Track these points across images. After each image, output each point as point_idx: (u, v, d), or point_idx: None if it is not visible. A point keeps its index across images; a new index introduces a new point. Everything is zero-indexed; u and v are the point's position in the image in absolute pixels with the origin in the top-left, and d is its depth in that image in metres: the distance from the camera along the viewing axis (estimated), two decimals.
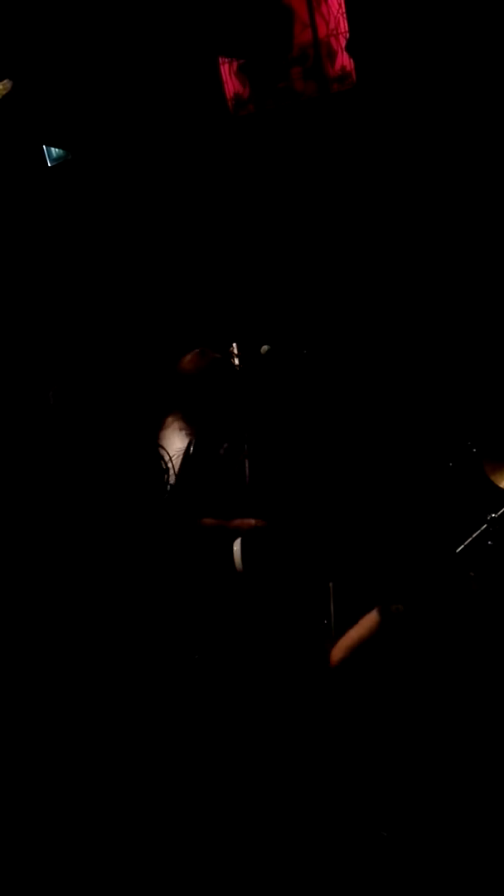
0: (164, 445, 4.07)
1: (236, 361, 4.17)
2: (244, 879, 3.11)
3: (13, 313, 5.35)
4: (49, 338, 5.38)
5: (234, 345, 4.21)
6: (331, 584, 3.50)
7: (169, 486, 3.69)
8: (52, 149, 5.55)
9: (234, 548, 3.87)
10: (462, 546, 4.05)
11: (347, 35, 4.92)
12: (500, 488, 3.91)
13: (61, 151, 5.52)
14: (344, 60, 4.98)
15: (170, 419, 4.07)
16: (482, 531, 3.99)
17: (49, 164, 5.58)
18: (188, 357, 4.01)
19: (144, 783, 3.55)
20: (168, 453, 3.92)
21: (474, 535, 4.02)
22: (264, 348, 4.37)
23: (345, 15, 4.91)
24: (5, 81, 4.49)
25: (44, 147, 5.55)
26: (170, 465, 3.78)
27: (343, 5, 4.89)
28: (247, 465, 4.08)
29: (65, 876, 3.19)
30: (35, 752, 3.50)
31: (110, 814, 3.44)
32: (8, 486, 4.30)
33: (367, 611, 4.02)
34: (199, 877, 3.15)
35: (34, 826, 3.35)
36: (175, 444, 3.99)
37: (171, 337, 4.60)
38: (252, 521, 3.91)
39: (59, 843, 3.33)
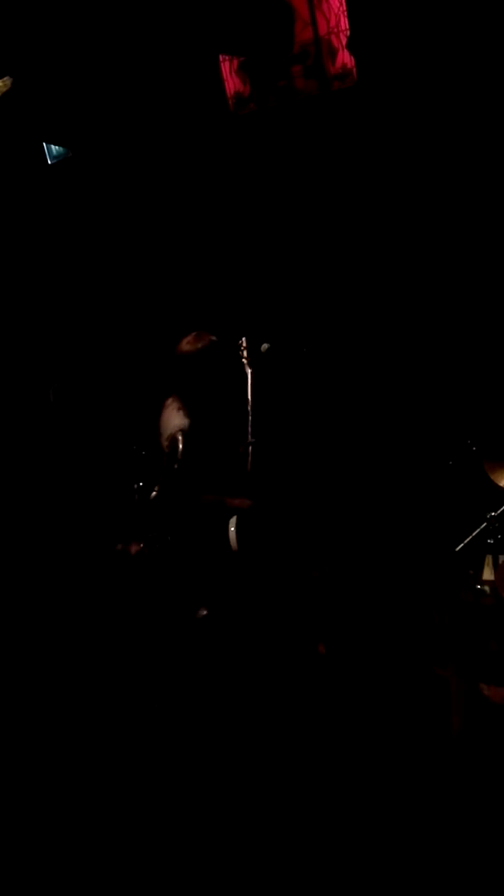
0: (163, 424, 4.11)
1: (245, 355, 4.23)
2: (244, 877, 3.10)
3: (14, 310, 5.35)
4: (50, 334, 5.38)
5: (244, 339, 4.27)
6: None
7: (172, 471, 3.68)
8: (53, 146, 5.54)
9: (230, 528, 3.91)
10: (462, 544, 4.04)
11: (348, 33, 4.91)
12: (500, 487, 3.90)
13: (61, 149, 5.52)
14: (345, 58, 4.97)
15: (169, 400, 4.12)
16: (482, 530, 3.99)
17: (49, 162, 5.58)
18: (185, 339, 4.07)
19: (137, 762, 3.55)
20: (167, 439, 3.92)
21: (474, 534, 4.01)
22: (264, 346, 4.40)
23: (346, 13, 4.90)
24: (5, 79, 4.49)
25: (44, 144, 5.55)
26: (176, 447, 3.77)
27: (344, 3, 4.89)
28: (250, 452, 4.12)
29: (65, 875, 3.18)
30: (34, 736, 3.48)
31: (109, 806, 3.44)
32: (9, 476, 4.29)
33: (365, 607, 4.02)
34: (199, 875, 3.15)
35: (34, 824, 3.34)
36: (173, 421, 4.03)
37: (170, 333, 4.59)
38: (249, 502, 3.94)
39: (59, 842, 3.32)
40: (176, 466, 3.77)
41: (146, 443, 4.01)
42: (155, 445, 4.01)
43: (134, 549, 3.87)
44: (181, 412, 4.09)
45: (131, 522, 3.89)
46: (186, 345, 4.07)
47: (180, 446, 3.82)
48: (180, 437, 3.84)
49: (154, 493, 3.83)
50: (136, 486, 3.89)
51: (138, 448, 4.00)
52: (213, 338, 4.08)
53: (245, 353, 4.25)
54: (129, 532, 3.90)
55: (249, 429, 4.13)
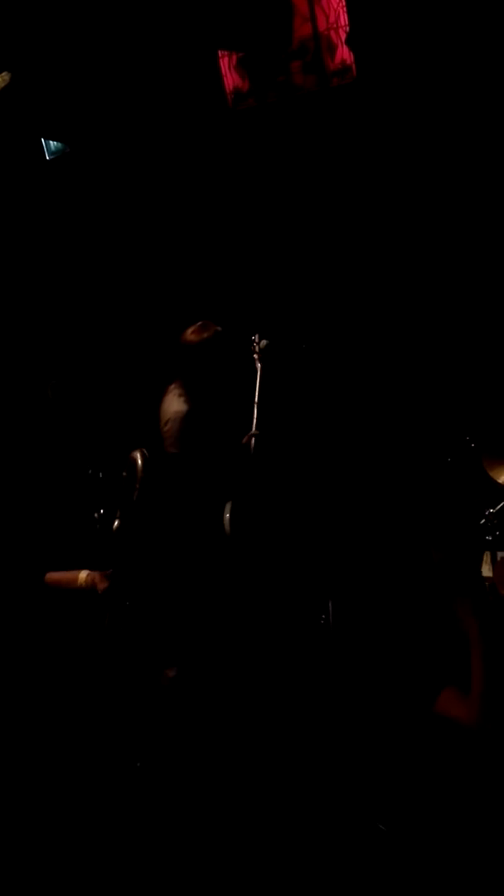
0: (163, 409, 4.10)
1: (257, 350, 4.29)
2: (244, 875, 3.11)
3: (12, 306, 5.34)
4: (49, 331, 5.37)
5: (257, 336, 4.34)
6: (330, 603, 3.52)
7: (132, 498, 3.48)
8: (51, 142, 5.53)
9: (225, 514, 3.93)
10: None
11: (347, 29, 4.90)
12: (499, 483, 3.90)
13: (60, 144, 5.50)
14: (344, 54, 4.96)
15: (172, 386, 4.15)
16: (480, 526, 3.99)
17: (48, 158, 5.56)
18: (190, 329, 4.11)
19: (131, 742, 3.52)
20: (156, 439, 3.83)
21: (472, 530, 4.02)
22: (263, 342, 4.42)
23: (345, 8, 4.89)
24: (4, 74, 4.48)
25: (42, 140, 5.53)
26: (134, 471, 3.59)
27: None
28: (252, 443, 4.14)
29: (65, 876, 3.18)
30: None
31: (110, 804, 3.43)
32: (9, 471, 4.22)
33: (360, 603, 4.01)
34: (199, 873, 3.15)
35: (34, 825, 3.34)
36: (173, 407, 4.06)
37: (168, 330, 4.59)
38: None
39: (59, 843, 3.32)
40: (136, 491, 3.42)
41: (105, 465, 3.75)
42: (156, 433, 4.02)
43: (101, 585, 3.55)
44: (182, 398, 4.13)
45: (94, 555, 3.61)
46: (191, 334, 4.11)
47: (139, 466, 3.53)
48: (139, 458, 3.59)
49: (116, 522, 3.52)
50: (96, 514, 3.57)
51: (95, 471, 3.71)
52: (219, 328, 4.12)
53: (257, 349, 4.31)
54: (93, 565, 3.61)
55: (254, 421, 4.17)
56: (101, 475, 3.68)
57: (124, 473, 3.54)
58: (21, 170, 5.41)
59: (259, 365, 4.32)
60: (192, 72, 5.21)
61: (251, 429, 4.20)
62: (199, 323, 4.11)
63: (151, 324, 5.34)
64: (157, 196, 5.46)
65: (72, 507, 3.75)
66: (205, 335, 4.08)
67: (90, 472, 3.65)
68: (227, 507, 4.05)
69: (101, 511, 3.55)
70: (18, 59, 4.56)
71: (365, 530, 4.52)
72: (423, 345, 4.98)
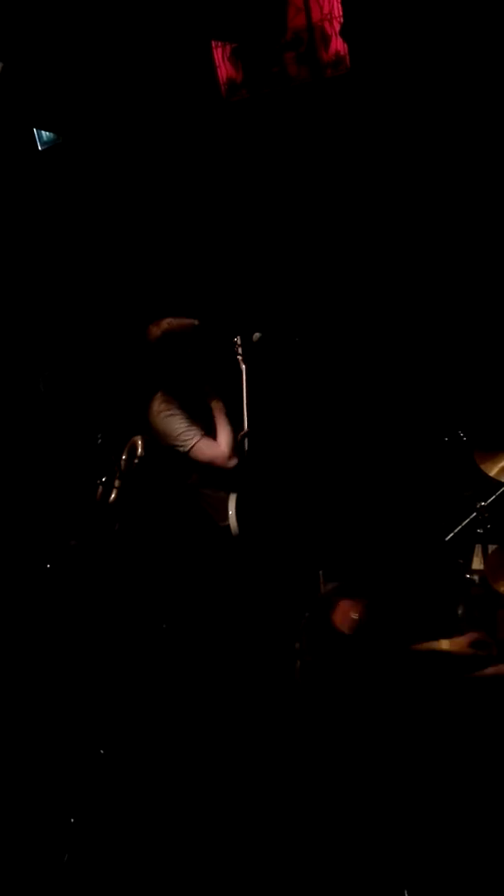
0: (169, 425, 4.06)
1: (240, 352, 4.29)
2: (243, 873, 3.11)
3: (4, 300, 5.32)
4: (40, 323, 5.35)
5: (238, 337, 4.33)
6: (321, 573, 3.52)
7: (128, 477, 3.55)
8: (43, 132, 5.50)
9: (230, 513, 3.95)
10: (452, 534, 4.07)
11: (341, 20, 4.89)
12: (490, 477, 3.91)
13: (52, 135, 5.48)
14: (338, 45, 4.95)
15: (156, 402, 4.13)
16: (471, 519, 4.00)
17: (40, 148, 5.54)
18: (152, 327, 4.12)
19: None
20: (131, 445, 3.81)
21: (464, 524, 4.04)
22: (256, 335, 4.41)
23: None
24: None
25: (34, 130, 5.51)
26: (133, 454, 3.67)
27: None
28: (246, 441, 4.15)
29: (65, 876, 3.18)
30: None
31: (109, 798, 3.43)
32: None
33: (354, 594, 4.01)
34: (200, 872, 3.16)
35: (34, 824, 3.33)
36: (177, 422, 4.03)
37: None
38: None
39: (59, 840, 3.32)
40: (128, 472, 3.59)
41: (109, 432, 3.87)
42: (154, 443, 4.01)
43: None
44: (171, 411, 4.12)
45: (91, 520, 3.74)
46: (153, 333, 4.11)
47: (138, 453, 3.67)
48: (140, 444, 3.69)
49: (114, 495, 3.65)
50: (98, 481, 3.74)
51: (103, 438, 3.86)
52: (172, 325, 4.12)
53: (240, 350, 4.31)
54: (86, 529, 3.74)
55: (245, 420, 4.17)
56: (104, 443, 3.78)
57: (125, 454, 3.63)
58: (13, 160, 5.39)
59: (244, 366, 4.31)
60: (186, 62, 5.19)
61: (242, 427, 4.19)
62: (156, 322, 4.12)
63: (143, 316, 5.33)
64: (149, 187, 5.44)
65: (76, 475, 3.85)
66: (162, 331, 4.09)
67: (98, 439, 3.76)
68: (231, 505, 4.06)
69: (104, 478, 3.68)
70: (10, 48, 4.54)
71: (360, 524, 4.53)
72: (416, 339, 4.99)
